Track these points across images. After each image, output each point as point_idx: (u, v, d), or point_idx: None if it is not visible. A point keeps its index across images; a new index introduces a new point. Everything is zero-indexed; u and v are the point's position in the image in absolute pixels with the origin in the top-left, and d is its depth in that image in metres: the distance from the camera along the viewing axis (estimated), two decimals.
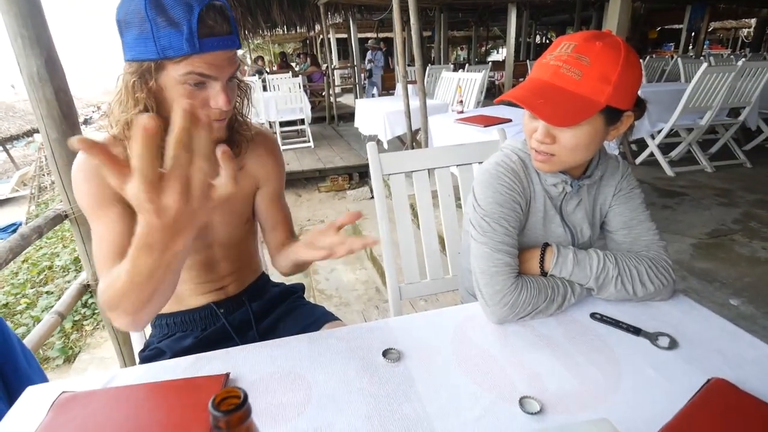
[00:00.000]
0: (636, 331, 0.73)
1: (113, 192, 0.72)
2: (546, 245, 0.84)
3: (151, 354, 0.93)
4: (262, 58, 10.12)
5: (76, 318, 2.61)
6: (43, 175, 7.40)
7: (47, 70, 1.30)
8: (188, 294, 0.94)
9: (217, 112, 0.76)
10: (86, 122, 12.42)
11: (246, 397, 0.34)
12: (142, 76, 0.71)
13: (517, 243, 0.83)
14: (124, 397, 0.64)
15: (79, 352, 2.25)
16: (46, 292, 3.29)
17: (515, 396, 0.60)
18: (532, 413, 0.57)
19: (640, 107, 0.78)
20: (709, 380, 0.60)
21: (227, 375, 0.67)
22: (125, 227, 0.74)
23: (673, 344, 0.70)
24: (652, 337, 0.71)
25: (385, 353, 0.71)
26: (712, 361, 0.66)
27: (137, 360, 0.97)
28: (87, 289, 1.75)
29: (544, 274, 0.83)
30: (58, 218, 1.53)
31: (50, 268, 3.77)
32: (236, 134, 0.87)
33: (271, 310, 1.04)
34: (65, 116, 1.34)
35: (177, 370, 0.70)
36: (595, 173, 0.87)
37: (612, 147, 2.69)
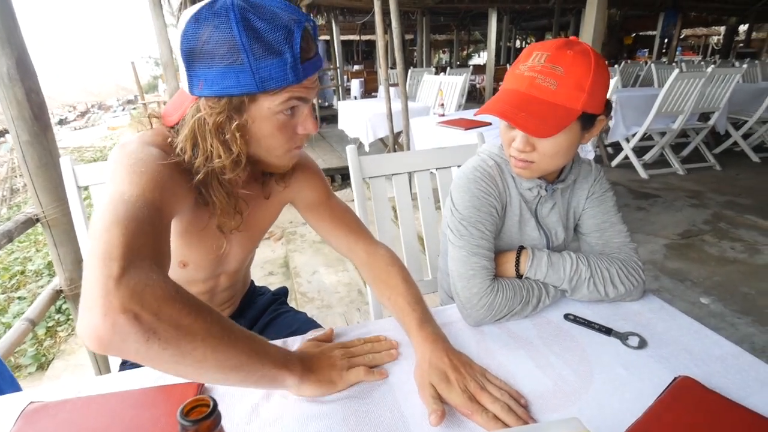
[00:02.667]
0: (607, 331, 0.75)
1: (174, 202, 0.60)
2: (521, 248, 0.86)
3: (132, 365, 0.91)
4: None
5: (50, 324, 2.53)
6: (15, 176, 7.17)
7: (18, 70, 1.26)
8: None
9: (303, 138, 0.70)
10: (61, 122, 12.05)
11: (215, 404, 0.34)
12: (231, 114, 0.61)
13: (494, 246, 0.85)
14: (95, 407, 0.62)
15: (53, 359, 2.18)
16: (18, 298, 3.18)
17: None
18: None
19: (608, 108, 0.80)
20: (675, 378, 0.63)
21: (202, 384, 0.66)
22: (163, 228, 0.56)
23: (642, 344, 0.72)
24: (623, 337, 0.73)
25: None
26: (680, 359, 0.69)
27: (111, 368, 0.95)
28: (59, 294, 1.70)
29: (519, 276, 0.84)
30: (30, 222, 1.49)
31: (23, 272, 3.65)
32: None
33: (256, 319, 1.03)
34: (36, 117, 1.30)
35: (151, 378, 0.68)
36: (568, 177, 0.89)
37: (588, 149, 2.75)
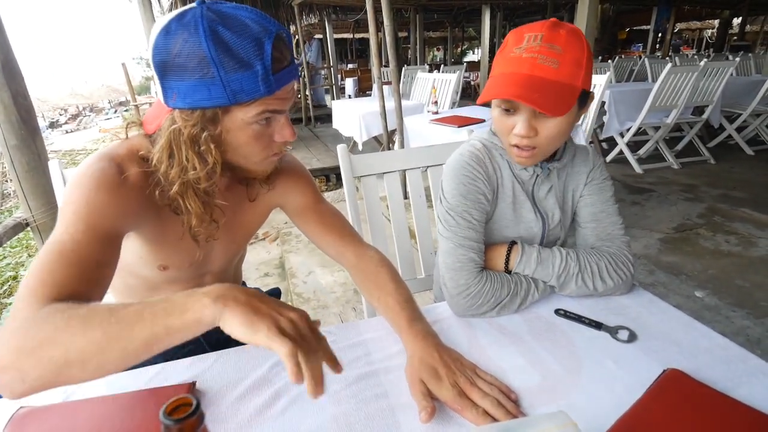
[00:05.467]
0: (597, 325, 0.75)
1: (117, 221, 0.62)
2: (513, 243, 0.86)
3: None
4: None
5: None
6: (6, 181, 7.12)
7: (4, 74, 1.25)
8: None
9: (281, 145, 0.70)
10: (53, 126, 11.98)
11: (198, 404, 0.34)
12: (205, 125, 0.62)
13: (482, 234, 0.85)
14: (85, 410, 0.62)
15: None
16: (10, 304, 3.17)
17: None
18: None
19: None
20: (664, 371, 0.63)
21: (193, 384, 0.66)
22: (99, 260, 0.58)
23: (632, 337, 0.72)
24: (613, 331, 0.73)
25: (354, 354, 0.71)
26: (669, 352, 0.69)
27: None
28: None
29: (508, 271, 0.84)
30: (19, 227, 1.48)
31: (15, 278, 3.63)
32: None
33: None
34: (24, 121, 1.29)
35: (141, 381, 0.68)
36: (564, 157, 0.88)
37: (580, 140, 2.76)
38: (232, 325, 0.47)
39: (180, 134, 0.62)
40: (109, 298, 0.92)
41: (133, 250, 0.76)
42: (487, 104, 0.80)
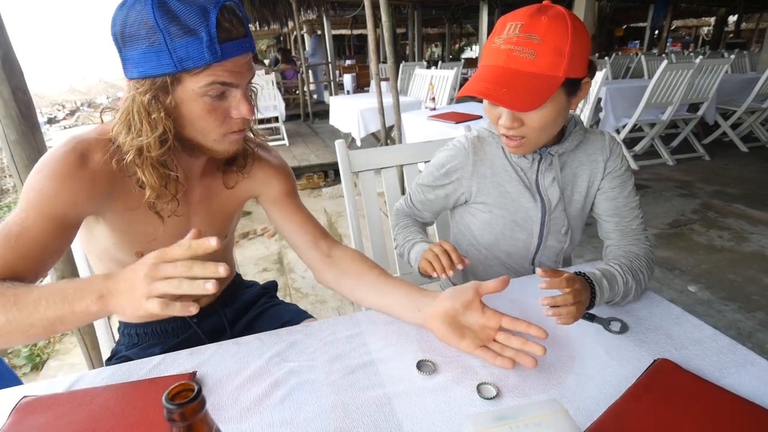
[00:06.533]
0: (590, 317, 0.77)
1: (69, 209, 0.67)
2: (585, 278, 0.76)
3: (119, 363, 0.91)
4: None
5: None
6: (4, 177, 7.09)
7: (4, 69, 1.25)
8: None
9: (240, 122, 0.71)
10: (50, 122, 11.93)
11: (200, 389, 0.35)
12: (157, 93, 0.64)
13: (428, 204, 1.04)
14: (87, 400, 0.63)
15: (48, 359, 2.17)
16: None
17: (474, 383, 0.63)
18: (488, 398, 0.60)
19: (591, 70, 0.78)
20: (654, 361, 0.65)
21: (194, 374, 0.68)
22: (44, 244, 0.65)
23: (624, 328, 0.74)
24: (605, 323, 0.75)
25: (351, 344, 0.72)
26: (660, 343, 0.70)
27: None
28: None
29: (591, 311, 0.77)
30: None
31: None
32: (243, 149, 0.83)
33: (244, 312, 1.03)
34: (24, 117, 1.29)
35: (143, 371, 0.69)
36: (567, 141, 0.86)
37: None
38: (125, 317, 0.60)
39: (134, 102, 0.65)
40: None
41: (107, 236, 0.78)
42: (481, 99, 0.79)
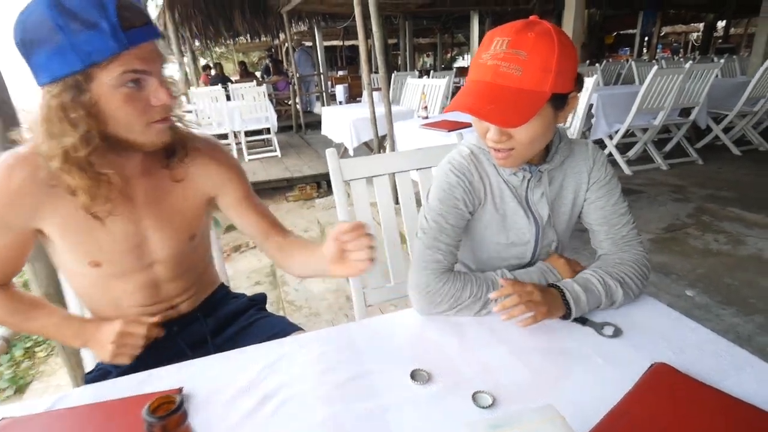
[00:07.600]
0: (582, 321, 0.75)
1: (12, 221, 0.72)
2: (552, 286, 0.80)
3: (98, 374, 0.89)
4: (220, 65, 9.90)
5: (28, 344, 2.44)
6: None
7: None
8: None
9: (161, 110, 0.71)
10: None
11: (182, 402, 0.34)
12: (72, 94, 0.64)
13: (456, 239, 0.87)
14: (69, 419, 0.61)
15: (32, 381, 2.12)
16: None
17: (469, 391, 0.61)
18: (484, 407, 0.58)
19: (579, 83, 0.78)
20: (652, 365, 0.63)
21: (180, 390, 0.66)
22: None
23: (617, 332, 0.73)
24: (598, 327, 0.74)
25: (343, 357, 0.71)
26: (657, 347, 0.69)
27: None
28: None
29: (568, 316, 0.78)
30: None
31: None
32: (176, 139, 0.81)
33: (229, 323, 1.01)
34: (8, 130, 1.28)
35: (127, 389, 0.67)
36: (555, 158, 0.86)
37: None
38: (101, 359, 0.81)
39: (50, 108, 0.65)
40: (75, 303, 0.96)
41: (59, 250, 0.78)
42: None
